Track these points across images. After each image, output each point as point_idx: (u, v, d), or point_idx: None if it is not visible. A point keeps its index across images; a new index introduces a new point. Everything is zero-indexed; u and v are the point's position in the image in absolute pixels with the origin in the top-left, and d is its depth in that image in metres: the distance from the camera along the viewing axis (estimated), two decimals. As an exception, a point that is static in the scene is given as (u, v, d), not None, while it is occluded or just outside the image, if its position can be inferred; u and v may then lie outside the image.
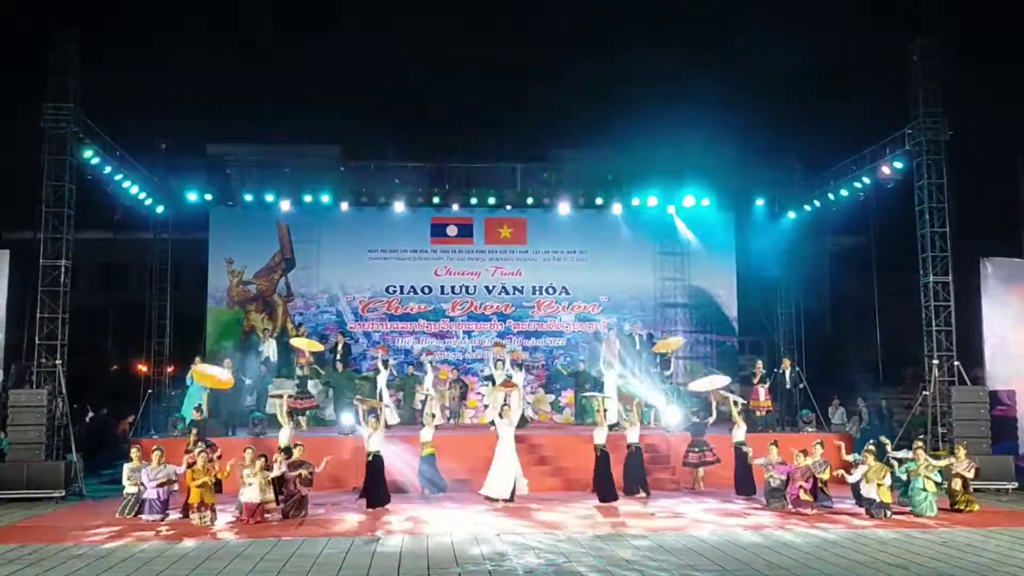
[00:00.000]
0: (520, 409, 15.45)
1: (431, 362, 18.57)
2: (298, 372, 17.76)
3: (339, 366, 18.59)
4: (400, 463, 14.78)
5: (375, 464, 13.58)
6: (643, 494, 14.38)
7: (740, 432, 14.88)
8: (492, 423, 15.09)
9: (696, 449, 15.31)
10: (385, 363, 18.09)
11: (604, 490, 13.91)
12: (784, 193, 21.12)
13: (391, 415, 16.94)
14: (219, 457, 13.51)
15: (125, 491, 13.01)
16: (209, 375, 16.51)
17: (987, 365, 17.01)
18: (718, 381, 16.67)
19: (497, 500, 13.65)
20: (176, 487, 13.11)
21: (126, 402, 19.62)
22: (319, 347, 18.31)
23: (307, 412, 17.69)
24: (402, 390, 18.96)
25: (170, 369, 20.27)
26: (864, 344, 22.63)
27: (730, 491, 14.75)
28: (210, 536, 11.45)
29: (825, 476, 13.37)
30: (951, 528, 11.94)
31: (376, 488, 13.53)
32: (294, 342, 18.17)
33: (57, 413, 15.34)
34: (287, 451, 13.58)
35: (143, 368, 20.80)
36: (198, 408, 15.40)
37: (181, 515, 12.68)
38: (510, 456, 13.95)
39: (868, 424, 19.74)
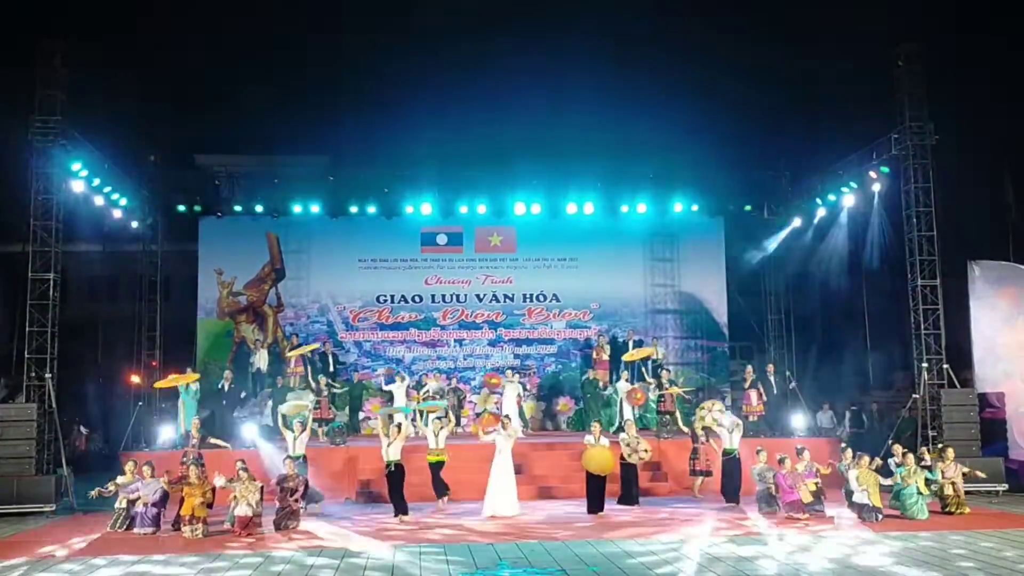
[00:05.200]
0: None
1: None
2: (310, 382, 17.68)
3: (354, 376, 19.58)
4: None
5: (396, 474, 13.56)
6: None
7: (733, 440, 14.84)
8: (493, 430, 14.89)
9: (694, 456, 15.30)
10: (401, 377, 18.46)
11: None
12: (773, 198, 21.22)
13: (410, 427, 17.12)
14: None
15: (116, 505, 12.97)
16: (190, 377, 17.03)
17: (976, 368, 17.08)
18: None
19: (506, 516, 13.43)
20: (167, 500, 13.05)
21: (116, 415, 19.51)
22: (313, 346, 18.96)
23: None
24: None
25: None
26: (853, 348, 22.73)
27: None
28: (201, 549, 11.38)
29: (817, 481, 13.40)
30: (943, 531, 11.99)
31: (397, 497, 13.52)
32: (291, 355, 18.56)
33: (47, 427, 15.26)
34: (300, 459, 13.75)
35: (134, 380, 20.69)
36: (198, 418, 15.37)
37: (173, 528, 12.64)
38: (509, 469, 13.82)
39: (860, 428, 19.80)
